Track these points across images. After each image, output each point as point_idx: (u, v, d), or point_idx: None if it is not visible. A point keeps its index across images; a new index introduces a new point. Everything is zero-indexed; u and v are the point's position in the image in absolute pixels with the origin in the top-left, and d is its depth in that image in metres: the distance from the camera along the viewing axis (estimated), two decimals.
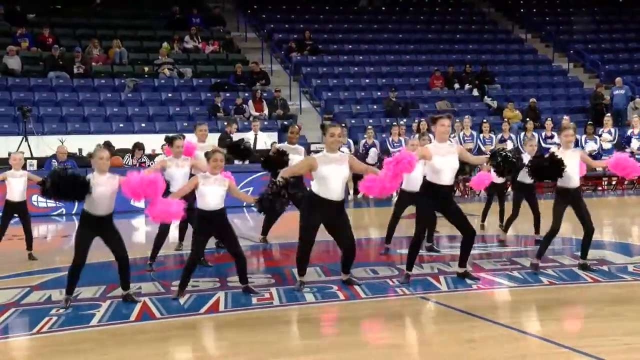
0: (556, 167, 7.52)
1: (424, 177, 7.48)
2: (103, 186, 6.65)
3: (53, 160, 15.29)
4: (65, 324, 6.20)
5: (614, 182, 18.31)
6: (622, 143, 18.77)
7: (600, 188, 18.18)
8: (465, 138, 17.67)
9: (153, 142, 16.77)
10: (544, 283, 7.41)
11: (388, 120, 19.81)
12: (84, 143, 16.34)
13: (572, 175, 7.70)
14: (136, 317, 6.37)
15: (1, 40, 20.66)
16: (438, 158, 7.22)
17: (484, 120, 18.58)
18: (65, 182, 6.51)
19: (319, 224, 7.15)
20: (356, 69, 23.05)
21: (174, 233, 9.57)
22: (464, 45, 25.20)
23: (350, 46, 24.34)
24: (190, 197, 7.32)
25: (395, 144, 17.21)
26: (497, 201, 11.00)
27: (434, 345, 5.58)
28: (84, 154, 16.77)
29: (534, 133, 18.38)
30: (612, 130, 18.99)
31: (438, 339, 5.72)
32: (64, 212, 14.46)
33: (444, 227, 10.11)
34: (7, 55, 19.59)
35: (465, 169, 9.80)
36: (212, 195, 6.97)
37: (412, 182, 8.70)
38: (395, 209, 9.41)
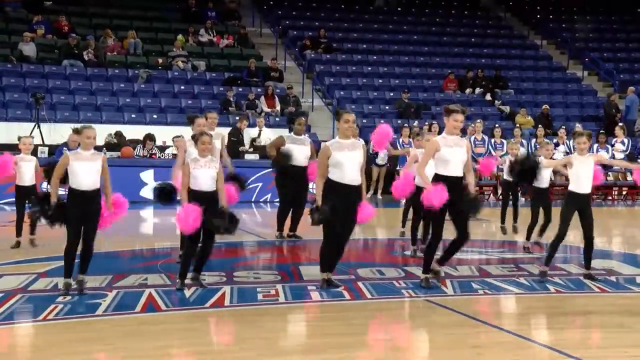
0: (532, 172, 7.51)
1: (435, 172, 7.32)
2: (85, 161, 6.80)
3: (64, 148, 15.35)
4: (70, 312, 6.21)
5: (624, 192, 18.22)
6: (635, 153, 18.68)
7: (610, 198, 18.09)
8: (477, 142, 17.61)
9: (164, 133, 16.83)
10: (551, 291, 7.37)
11: (400, 122, 19.77)
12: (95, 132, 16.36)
13: (584, 181, 7.68)
14: (141, 308, 6.38)
15: (17, 27, 20.77)
16: (446, 149, 7.14)
17: (496, 125, 18.53)
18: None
19: (341, 214, 7.03)
20: (370, 68, 23.01)
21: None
22: (478, 49, 25.13)
23: (364, 45, 24.30)
24: None
25: (404, 145, 17.16)
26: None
27: (439, 349, 5.56)
28: (97, 143, 16.82)
29: (546, 140, 18.32)
30: (625, 140, 18.86)
31: (443, 343, 5.69)
32: None
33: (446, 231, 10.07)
34: (23, 41, 19.66)
35: None
36: (204, 177, 7.02)
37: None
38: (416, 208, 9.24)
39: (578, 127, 18.81)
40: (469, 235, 7.35)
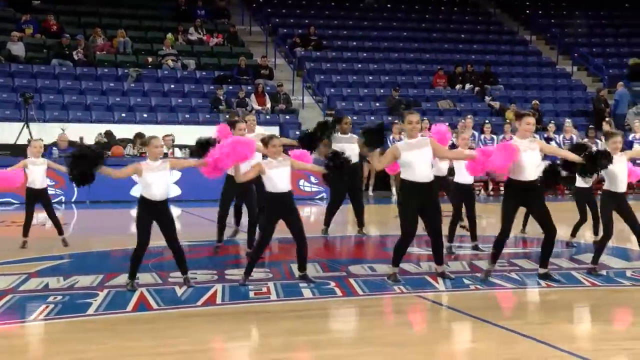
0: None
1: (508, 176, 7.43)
2: (157, 172, 6.88)
3: (54, 148, 15.29)
4: (62, 312, 6.19)
5: None
6: (624, 148, 18.71)
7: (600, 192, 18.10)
8: None
9: (154, 132, 16.52)
10: (542, 286, 7.40)
11: (390, 118, 19.78)
12: (85, 131, 16.33)
13: (620, 179, 7.77)
14: (133, 307, 6.37)
15: (5, 26, 20.65)
16: (522, 154, 7.24)
17: (486, 121, 18.57)
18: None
19: (417, 212, 7.25)
20: (360, 65, 23.01)
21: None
22: (468, 45, 25.17)
23: (354, 43, 24.32)
24: None
25: (395, 141, 17.17)
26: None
27: (432, 344, 5.56)
28: (85, 142, 16.77)
29: (535, 135, 18.37)
30: None
31: (435, 338, 5.70)
32: (63, 200, 14.43)
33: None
34: (11, 41, 19.55)
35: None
36: (279, 177, 7.15)
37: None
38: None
39: (568, 122, 18.88)
40: (555, 229, 7.43)
